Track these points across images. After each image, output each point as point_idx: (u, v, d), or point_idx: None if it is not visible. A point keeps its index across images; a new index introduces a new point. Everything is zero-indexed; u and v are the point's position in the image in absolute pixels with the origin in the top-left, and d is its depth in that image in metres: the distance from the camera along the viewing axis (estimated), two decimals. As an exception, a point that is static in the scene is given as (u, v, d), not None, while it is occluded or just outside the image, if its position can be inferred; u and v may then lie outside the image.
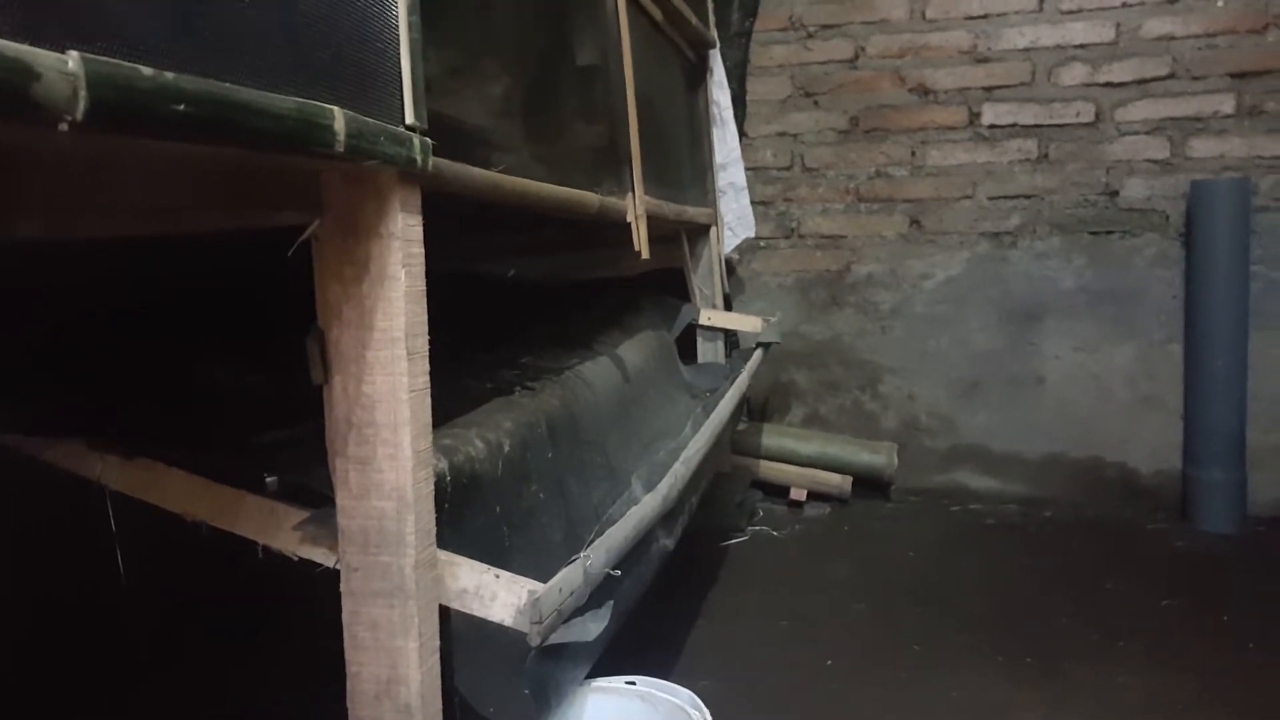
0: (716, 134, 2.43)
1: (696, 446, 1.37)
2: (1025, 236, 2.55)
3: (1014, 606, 1.87)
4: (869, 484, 2.55)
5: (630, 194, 1.63)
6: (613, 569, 1.00)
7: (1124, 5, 2.42)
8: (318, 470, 0.93)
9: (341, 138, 0.64)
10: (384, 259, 0.76)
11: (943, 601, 1.90)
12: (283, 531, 0.93)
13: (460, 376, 1.39)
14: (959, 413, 2.63)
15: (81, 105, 0.43)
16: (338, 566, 0.88)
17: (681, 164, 2.17)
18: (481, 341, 1.63)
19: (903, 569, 2.10)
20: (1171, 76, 2.41)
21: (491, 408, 1.27)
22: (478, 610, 0.88)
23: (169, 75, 0.49)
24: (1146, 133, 2.45)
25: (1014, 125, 2.53)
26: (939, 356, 2.63)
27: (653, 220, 1.74)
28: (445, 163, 0.90)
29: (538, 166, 1.27)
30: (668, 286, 2.35)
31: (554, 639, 0.88)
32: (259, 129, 0.56)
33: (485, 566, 0.90)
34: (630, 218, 1.62)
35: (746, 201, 2.47)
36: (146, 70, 0.47)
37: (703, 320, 2.33)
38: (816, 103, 2.65)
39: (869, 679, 1.57)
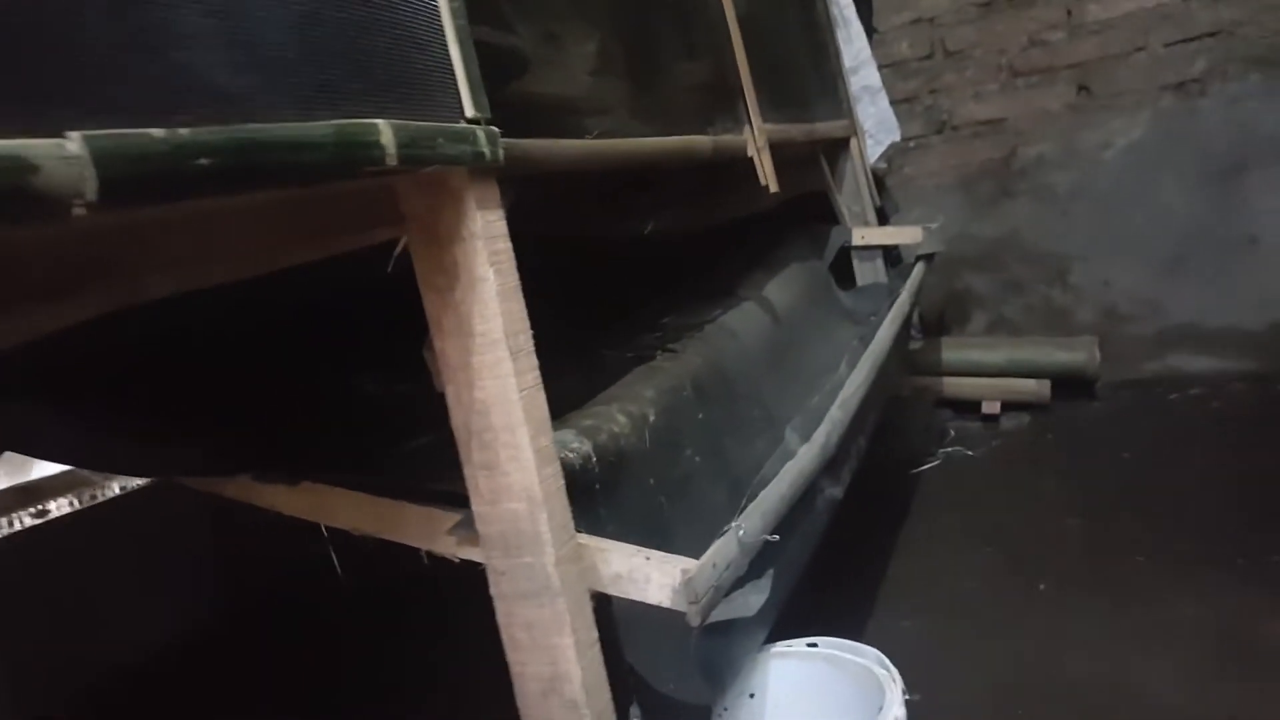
0: (841, 36, 2.26)
1: (855, 384, 1.29)
2: (1215, 81, 2.22)
3: (1251, 507, 1.66)
4: (1071, 385, 2.34)
5: (748, 126, 1.54)
6: (770, 534, 0.95)
7: None
8: (457, 472, 0.94)
9: (393, 151, 0.62)
10: (470, 262, 0.74)
11: (1167, 507, 1.71)
12: (440, 536, 0.95)
13: (599, 349, 1.38)
14: (1164, 292, 2.36)
15: (92, 186, 0.42)
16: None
17: (805, 79, 2.03)
18: (619, 308, 1.60)
19: (1118, 474, 1.92)
20: None
21: (632, 379, 1.25)
22: (633, 594, 0.86)
23: (184, 132, 0.47)
24: (1359, -73, 2.05)
25: (1188, -46, 2.19)
26: (1132, 234, 2.36)
27: (781, 147, 1.64)
28: (526, 143, 0.87)
29: (639, 122, 1.21)
30: (814, 211, 2.24)
31: (715, 616, 0.85)
32: (299, 163, 0.55)
33: (635, 549, 0.88)
34: (751, 151, 1.53)
35: (886, 103, 2.30)
36: (158, 133, 0.46)
37: (855, 241, 2.20)
38: (949, -21, 2.41)
39: (1089, 603, 1.44)
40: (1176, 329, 2.36)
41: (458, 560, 0.95)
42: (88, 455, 1.20)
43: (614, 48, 1.19)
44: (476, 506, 0.80)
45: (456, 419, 0.79)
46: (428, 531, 0.96)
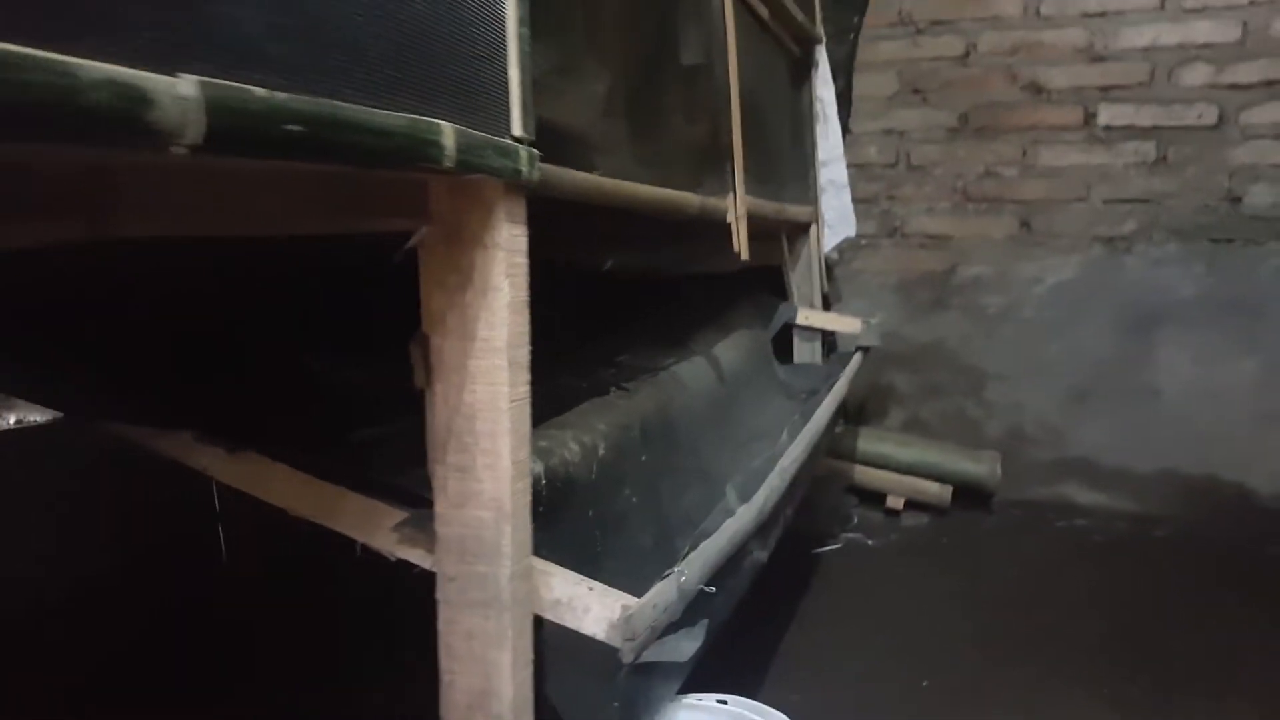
0: (819, 130, 2.38)
1: (793, 456, 1.34)
2: (1141, 242, 2.42)
3: (1124, 631, 1.78)
4: (970, 494, 2.47)
5: (731, 194, 1.60)
6: (707, 585, 0.98)
7: (1251, 3, 2.27)
8: (414, 471, 0.94)
9: (451, 153, 0.64)
10: (488, 269, 0.76)
11: (1048, 622, 1.82)
12: (381, 531, 0.95)
13: (557, 374, 1.40)
14: (1068, 423, 2.52)
15: (197, 130, 0.44)
16: (434, 569, 0.89)
17: (783, 161, 2.13)
18: (577, 335, 1.63)
19: (1006, 585, 2.02)
20: (1309, 74, 2.25)
21: (587, 409, 1.27)
22: (570, 622, 0.88)
23: (281, 96, 0.49)
24: (1274, 137, 2.29)
25: (1130, 127, 2.40)
26: (1048, 364, 2.52)
27: (752, 219, 1.71)
28: (550, 168, 0.90)
29: (638, 167, 1.26)
30: (764, 283, 2.32)
31: (647, 657, 0.87)
32: (370, 147, 0.57)
33: (579, 578, 0.90)
34: (730, 218, 1.59)
35: (848, 199, 2.42)
36: (260, 92, 0.48)
37: (800, 320, 2.29)
38: (924, 99, 2.56)
39: (971, 702, 1.52)
40: (1073, 460, 2.52)
41: (393, 558, 0.95)
42: (25, 381, 1.15)
43: (624, 92, 1.24)
44: (440, 508, 0.81)
45: (438, 418, 0.80)
46: (367, 524, 0.96)
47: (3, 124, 0.36)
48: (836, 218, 2.39)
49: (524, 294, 0.80)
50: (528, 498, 0.82)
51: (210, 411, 1.08)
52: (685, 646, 0.89)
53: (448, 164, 0.64)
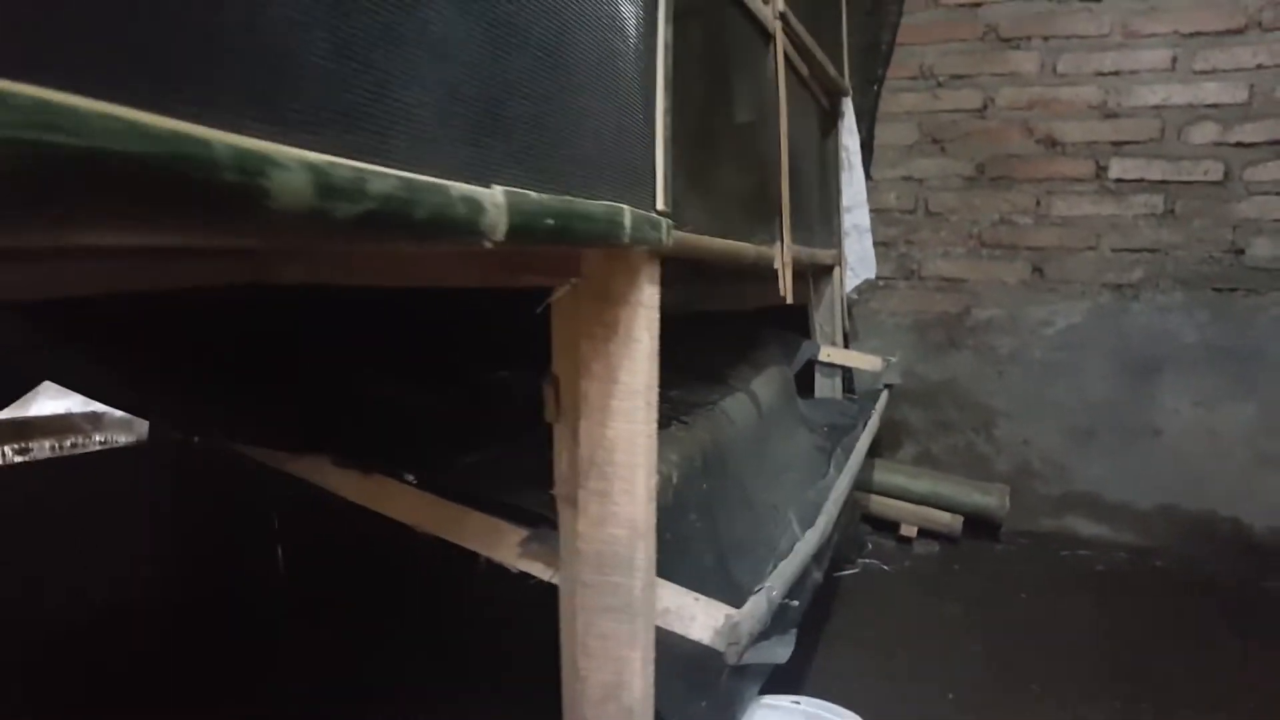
0: (844, 177, 2.52)
1: (843, 486, 1.47)
2: (1147, 289, 2.57)
3: (1126, 656, 1.90)
4: (979, 525, 2.60)
5: (779, 242, 1.74)
6: (787, 599, 1.11)
7: (1258, 67, 2.43)
8: (530, 493, 1.06)
9: (628, 230, 0.77)
10: (631, 323, 0.89)
11: (1055, 645, 1.94)
12: (503, 546, 1.07)
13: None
14: (1073, 460, 2.66)
15: (504, 228, 0.56)
16: (553, 581, 1.01)
17: (813, 207, 2.26)
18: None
19: (1014, 610, 2.15)
20: (1307, 137, 2.42)
21: (659, 440, 1.39)
22: (679, 629, 1.00)
23: (543, 198, 0.62)
24: (1276, 193, 2.45)
25: (1140, 180, 2.56)
26: (1055, 403, 2.67)
27: (795, 264, 1.85)
28: (677, 233, 1.03)
29: (711, 220, 1.38)
30: (788, 320, 2.45)
31: (748, 659, 0.98)
32: (585, 231, 0.69)
33: (686, 590, 1.02)
34: (778, 264, 1.73)
35: (869, 243, 2.56)
36: (534, 195, 0.60)
37: (823, 357, 2.42)
38: (943, 149, 2.72)
39: (987, 716, 1.64)
40: (1078, 494, 2.66)
41: (515, 570, 1.07)
42: (157, 407, 1.26)
43: (703, 155, 1.37)
44: (581, 526, 0.93)
45: (581, 449, 0.92)
46: (491, 540, 1.08)
47: (403, 237, 0.48)
48: (858, 260, 2.53)
49: (657, 343, 0.92)
50: (654, 519, 0.94)
51: (334, 439, 1.20)
52: (780, 651, 1.01)
53: (625, 240, 0.77)
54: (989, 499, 2.57)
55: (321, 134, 0.42)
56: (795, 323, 2.50)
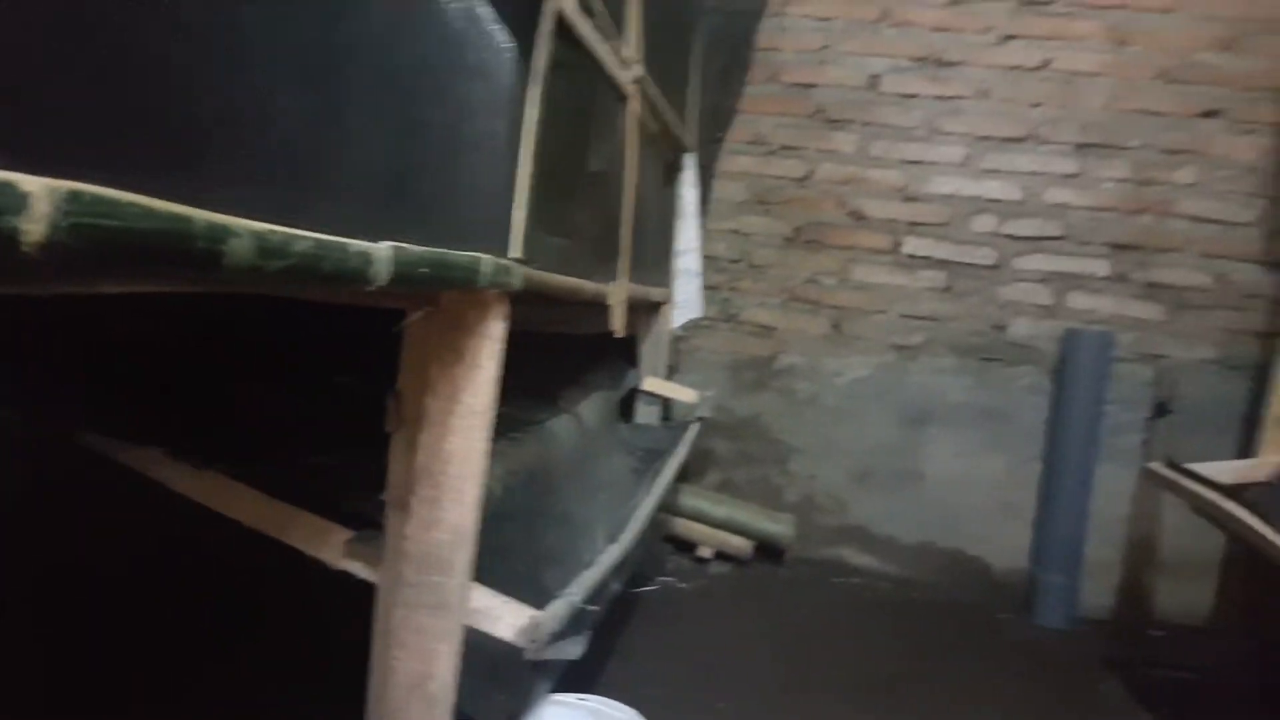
0: (681, 224, 2.74)
1: (649, 506, 1.64)
2: (925, 353, 2.94)
3: (884, 668, 2.20)
4: (768, 550, 2.87)
5: (616, 281, 1.91)
6: (587, 605, 1.26)
7: (1032, 174, 2.86)
8: (366, 497, 1.17)
9: (486, 276, 0.91)
10: (478, 352, 1.02)
11: (827, 659, 2.22)
12: (328, 546, 1.16)
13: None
14: (851, 497, 2.99)
15: (386, 277, 0.69)
16: (373, 579, 1.12)
17: (653, 250, 2.46)
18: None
19: (794, 628, 2.42)
20: (1063, 238, 2.86)
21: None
22: (487, 627, 1.13)
23: (420, 251, 0.75)
24: (1036, 281, 2.88)
25: (928, 258, 2.93)
26: (841, 445, 2.99)
27: (630, 301, 2.02)
28: (529, 271, 1.16)
29: (558, 261, 1.53)
30: (617, 349, 2.63)
31: (545, 655, 1.13)
32: (451, 277, 0.82)
33: (494, 592, 1.15)
34: (613, 301, 1.89)
35: (699, 286, 2.78)
36: (413, 249, 0.73)
37: (646, 386, 2.61)
38: (768, 210, 3.00)
39: (762, 716, 1.87)
40: (853, 528, 2.99)
41: (336, 569, 1.16)
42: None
43: (557, 201, 1.52)
44: (409, 529, 1.04)
45: (418, 459, 1.03)
46: (317, 540, 1.17)
47: (314, 285, 0.60)
48: (687, 300, 2.76)
49: (498, 369, 1.05)
50: (476, 526, 1.07)
51: (176, 431, 1.25)
52: (574, 649, 1.16)
53: (482, 284, 0.90)
54: (778, 527, 2.85)
55: (259, 206, 0.53)
56: (625, 351, 2.69)
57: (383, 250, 0.68)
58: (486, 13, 0.91)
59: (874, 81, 2.92)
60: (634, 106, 1.91)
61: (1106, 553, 2.82)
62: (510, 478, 1.53)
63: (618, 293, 1.90)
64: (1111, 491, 2.79)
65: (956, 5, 2.85)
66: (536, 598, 1.20)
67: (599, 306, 1.90)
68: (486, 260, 0.90)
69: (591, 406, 2.24)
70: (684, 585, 2.63)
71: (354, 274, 0.64)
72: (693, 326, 2.90)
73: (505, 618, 1.13)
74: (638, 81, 1.91)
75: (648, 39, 1.97)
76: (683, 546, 2.85)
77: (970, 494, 2.93)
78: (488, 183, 0.96)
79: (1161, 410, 2.82)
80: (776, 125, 2.97)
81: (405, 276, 0.72)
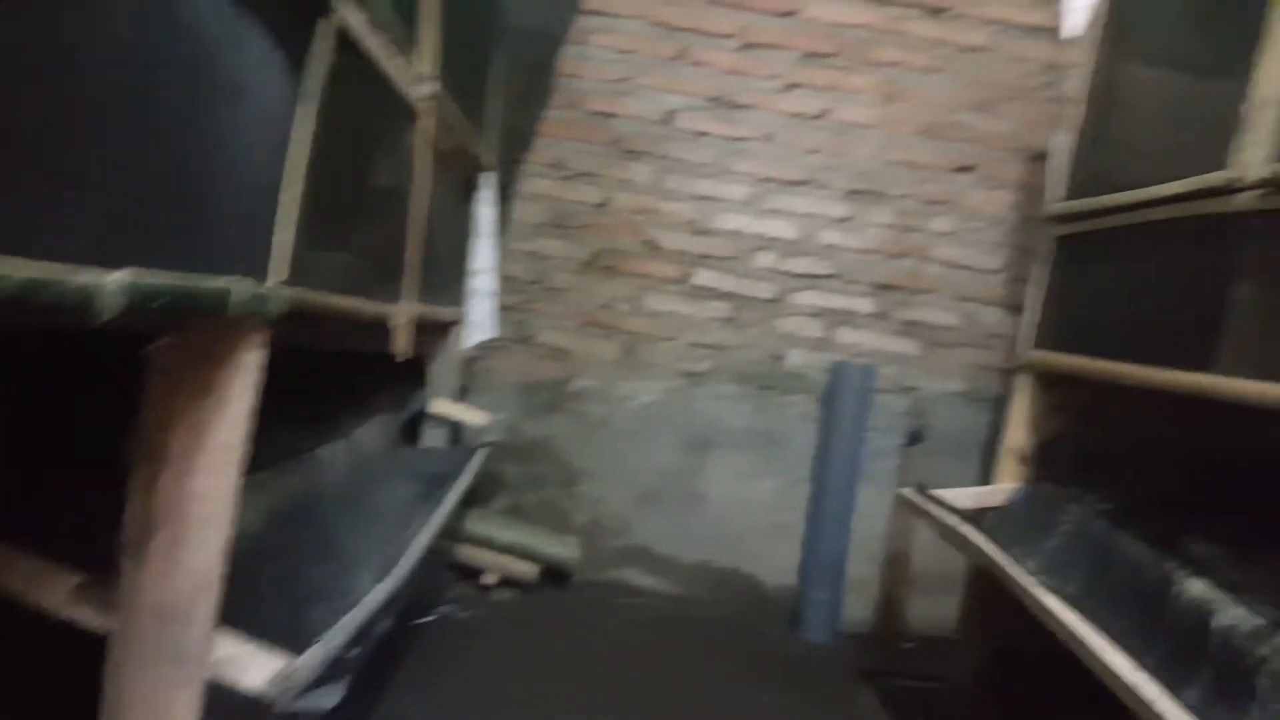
0: (478, 243, 2.70)
1: (422, 542, 1.60)
2: (710, 380, 3.07)
3: (654, 688, 2.26)
4: (554, 574, 2.87)
5: (402, 301, 1.85)
6: (348, 649, 1.20)
7: (808, 215, 3.06)
8: (99, 539, 1.05)
9: (241, 303, 0.85)
10: (229, 383, 0.95)
11: (607, 680, 2.24)
12: (55, 591, 1.04)
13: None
14: (636, 518, 3.05)
15: (117, 308, 0.62)
16: (104, 630, 1.01)
17: (445, 268, 2.41)
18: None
19: (575, 652, 2.43)
20: (833, 277, 3.07)
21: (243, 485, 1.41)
22: (233, 676, 1.05)
23: (156, 280, 0.68)
24: (810, 316, 3.08)
25: (715, 289, 3.06)
26: (629, 469, 3.05)
27: (417, 321, 1.96)
28: (292, 292, 1.10)
29: (335, 279, 1.46)
30: (404, 370, 2.54)
31: (298, 705, 1.06)
32: (198, 307, 0.76)
33: (243, 639, 1.08)
34: (395, 323, 1.83)
35: (493, 306, 2.75)
36: (148, 279, 0.67)
37: (432, 409, 2.55)
38: (566, 234, 3.02)
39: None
40: (636, 549, 3.05)
41: (62, 617, 1.04)
42: None
43: (330, 218, 1.45)
44: (146, 576, 0.95)
45: (159, 500, 0.95)
46: (42, 584, 1.04)
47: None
48: (480, 320, 2.72)
49: (253, 402, 0.98)
50: (222, 571, 0.99)
51: None
52: (329, 697, 1.10)
53: (233, 312, 0.84)
54: (564, 550, 2.86)
55: None
56: (413, 373, 2.60)
57: (113, 280, 0.62)
58: (250, 25, 0.86)
59: (670, 117, 3.02)
60: (426, 123, 1.87)
61: (867, 570, 3.05)
62: (273, 511, 1.44)
63: (403, 313, 1.84)
64: (871, 512, 3.02)
65: (748, 50, 3.01)
66: (295, 642, 1.13)
67: (382, 326, 1.83)
68: (240, 287, 0.84)
69: (371, 431, 2.15)
70: (465, 614, 2.57)
71: (77, 305, 0.58)
72: (486, 347, 2.86)
73: (254, 666, 1.05)
74: (431, 98, 1.87)
75: (444, 56, 1.93)
76: (466, 573, 2.80)
77: (747, 515, 3.07)
78: (246, 204, 0.90)
79: (915, 438, 3.09)
80: (576, 151, 3.00)
81: (140, 307, 0.66)
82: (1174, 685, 1.39)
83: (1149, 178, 1.91)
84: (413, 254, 1.87)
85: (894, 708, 2.38)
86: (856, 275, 3.08)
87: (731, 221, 3.05)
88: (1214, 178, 1.67)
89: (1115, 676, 1.42)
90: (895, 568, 3.07)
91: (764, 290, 3.07)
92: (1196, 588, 1.54)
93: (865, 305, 3.08)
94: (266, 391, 1.95)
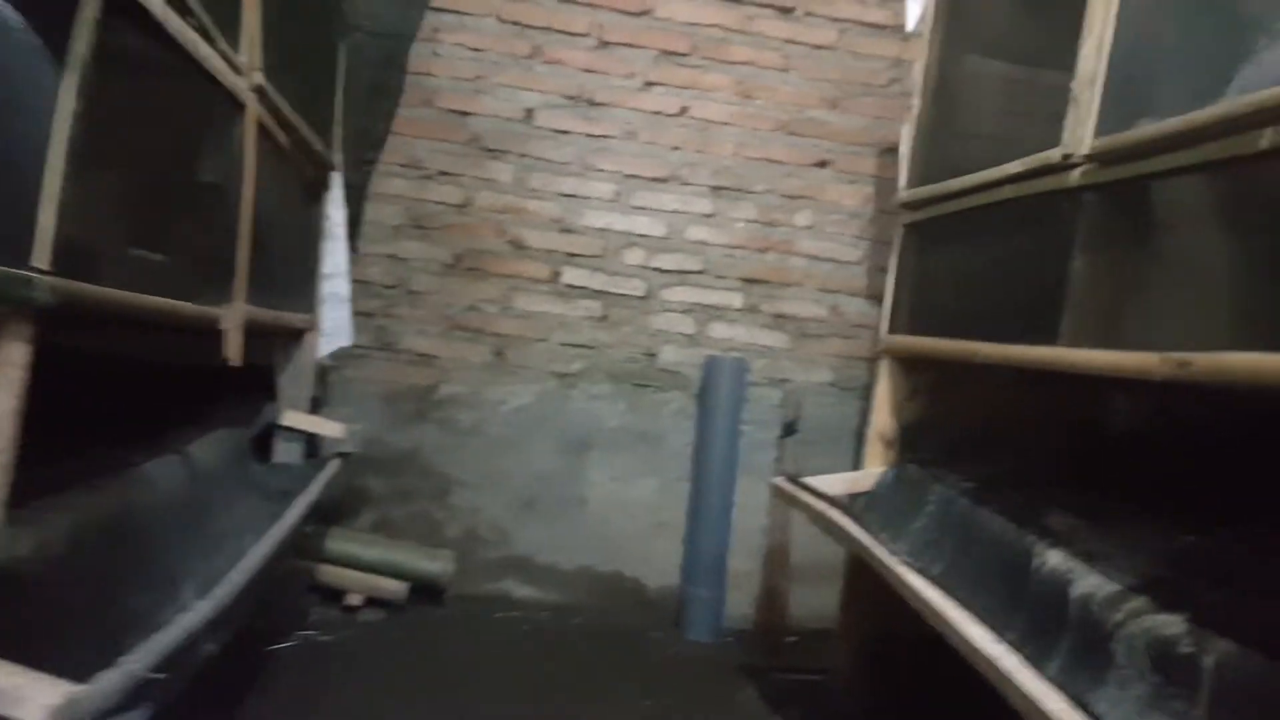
0: (328, 246, 2.57)
1: (256, 556, 1.48)
2: (585, 380, 3.02)
3: (531, 705, 2.18)
4: (426, 590, 2.75)
5: (231, 304, 1.72)
6: (156, 674, 1.09)
7: (675, 212, 3.05)
8: None
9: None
10: (-15, 383, 0.84)
11: (478, 698, 2.15)
12: None
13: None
14: (514, 526, 2.97)
15: None
16: None
17: (288, 271, 2.28)
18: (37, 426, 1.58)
19: (448, 672, 2.32)
20: (703, 272, 3.08)
21: (43, 505, 1.28)
22: (7, 710, 0.93)
23: None
24: (681, 312, 3.07)
25: (586, 288, 3.01)
26: (505, 474, 2.96)
27: (252, 325, 1.84)
28: (76, 286, 0.98)
29: (143, 277, 1.34)
30: (255, 381, 2.40)
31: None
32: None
33: (17, 667, 0.95)
34: (225, 325, 1.71)
35: (347, 312, 2.63)
36: None
37: (284, 421, 2.40)
38: (426, 236, 2.92)
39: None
40: (516, 559, 2.97)
41: None
42: None
43: (138, 209, 1.33)
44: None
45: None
46: None
47: None
48: (335, 327, 2.59)
49: (19, 403, 0.87)
50: (-13, 595, 0.87)
51: None
52: (127, 731, 0.99)
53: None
54: (435, 565, 2.75)
55: None
56: (263, 383, 2.45)
57: None
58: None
59: (529, 115, 2.96)
60: (255, 116, 1.76)
61: (749, 565, 3.05)
62: (81, 531, 1.30)
63: (233, 316, 1.72)
64: (751, 506, 3.02)
65: (604, 49, 2.98)
66: (90, 669, 1.01)
67: (212, 332, 1.70)
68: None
69: (211, 445, 2.00)
70: (328, 638, 2.43)
71: None
72: (343, 355, 2.73)
73: (34, 698, 0.93)
74: (258, 90, 1.76)
75: (277, 49, 1.82)
76: (330, 595, 2.65)
77: (627, 517, 3.03)
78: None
79: (790, 429, 3.12)
80: (432, 150, 2.91)
81: None
82: (1037, 656, 1.40)
83: (988, 161, 1.97)
84: (243, 253, 1.75)
85: (774, 703, 2.38)
86: (725, 270, 3.09)
87: (598, 219, 3.02)
88: (1047, 155, 1.72)
89: (976, 651, 1.44)
90: (776, 561, 3.08)
91: (635, 287, 3.05)
92: (1055, 558, 1.57)
93: (735, 300, 3.10)
94: (79, 403, 1.79)
